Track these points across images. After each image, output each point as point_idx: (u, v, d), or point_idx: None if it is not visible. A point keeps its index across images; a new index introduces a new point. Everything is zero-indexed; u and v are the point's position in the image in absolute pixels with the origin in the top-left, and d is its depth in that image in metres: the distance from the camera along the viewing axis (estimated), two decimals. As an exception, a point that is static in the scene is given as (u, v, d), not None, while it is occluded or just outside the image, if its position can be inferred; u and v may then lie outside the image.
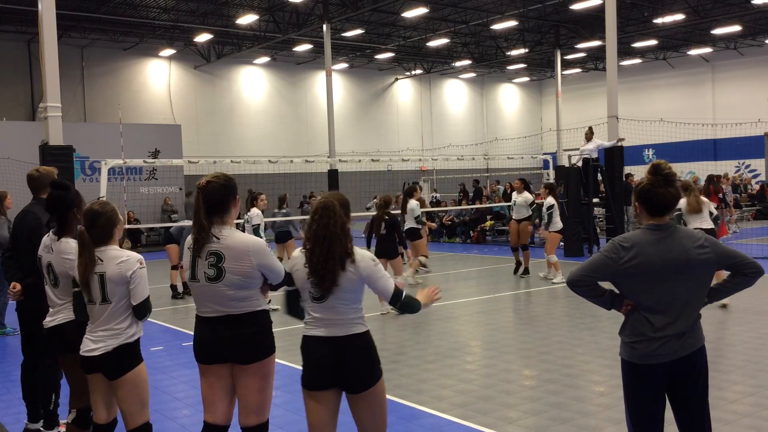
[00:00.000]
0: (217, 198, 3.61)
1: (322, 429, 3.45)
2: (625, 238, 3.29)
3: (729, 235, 17.93)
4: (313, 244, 3.40)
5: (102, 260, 3.81)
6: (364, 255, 3.46)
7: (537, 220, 13.15)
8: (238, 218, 14.18)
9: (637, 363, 3.25)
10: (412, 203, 12.00)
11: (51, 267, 4.30)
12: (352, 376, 3.40)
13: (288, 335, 7.60)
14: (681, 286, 3.22)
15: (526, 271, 13.01)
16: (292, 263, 3.55)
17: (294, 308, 3.63)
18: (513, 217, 13.38)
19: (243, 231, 13.14)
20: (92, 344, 3.84)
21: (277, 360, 3.82)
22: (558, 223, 12.47)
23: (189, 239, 3.69)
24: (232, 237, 3.61)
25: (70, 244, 4.21)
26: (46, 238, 4.42)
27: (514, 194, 13.38)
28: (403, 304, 3.55)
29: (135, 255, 3.86)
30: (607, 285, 3.40)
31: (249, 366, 3.62)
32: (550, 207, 12.36)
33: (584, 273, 3.31)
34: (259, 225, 10.90)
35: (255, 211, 11.00)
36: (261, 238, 11.16)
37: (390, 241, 9.89)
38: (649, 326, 3.22)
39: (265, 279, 3.70)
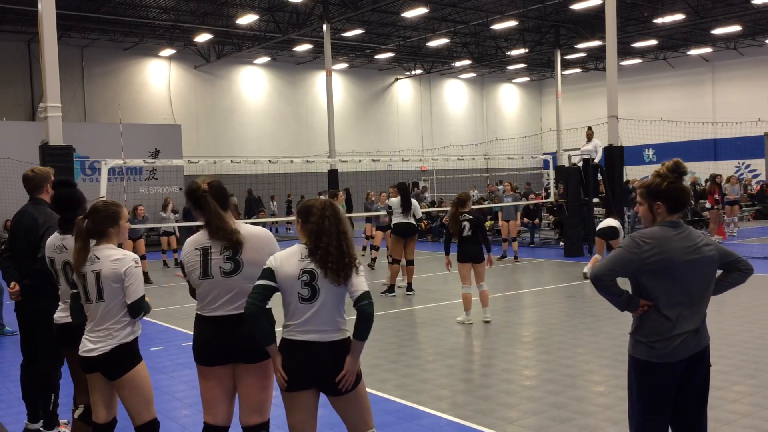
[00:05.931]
0: (223, 194, 3.70)
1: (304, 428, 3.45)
2: (643, 233, 3.29)
3: (726, 240, 17.85)
4: (329, 237, 3.35)
5: (98, 258, 3.84)
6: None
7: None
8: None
9: (656, 362, 3.24)
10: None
11: (69, 265, 4.25)
12: (335, 380, 3.35)
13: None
14: (695, 282, 3.27)
15: (391, 289, 11.46)
16: (279, 260, 3.42)
17: (262, 307, 3.33)
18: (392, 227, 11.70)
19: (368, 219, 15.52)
20: (91, 344, 3.85)
21: (276, 360, 3.81)
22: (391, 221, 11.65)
23: (196, 237, 3.69)
24: (245, 229, 3.66)
25: None
26: (54, 239, 4.41)
27: (390, 200, 11.82)
28: (367, 312, 3.30)
29: (130, 254, 3.89)
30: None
31: (253, 365, 3.62)
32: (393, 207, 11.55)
33: (609, 268, 3.28)
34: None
35: (395, 201, 11.58)
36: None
37: (475, 242, 8.98)
38: (668, 324, 3.23)
39: None
